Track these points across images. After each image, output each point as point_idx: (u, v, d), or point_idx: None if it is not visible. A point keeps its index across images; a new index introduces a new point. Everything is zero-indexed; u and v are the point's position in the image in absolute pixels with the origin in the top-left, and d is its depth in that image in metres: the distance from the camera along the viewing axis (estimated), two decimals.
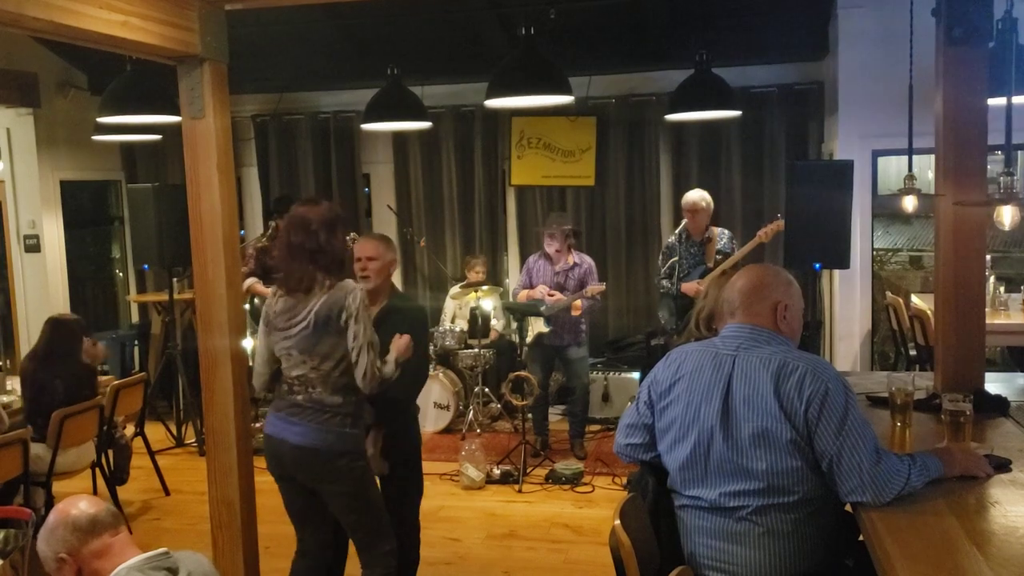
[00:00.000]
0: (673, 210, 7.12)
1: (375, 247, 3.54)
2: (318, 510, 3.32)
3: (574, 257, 6.00)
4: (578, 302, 5.85)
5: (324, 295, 3.11)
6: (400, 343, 3.27)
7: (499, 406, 6.84)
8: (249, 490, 3.60)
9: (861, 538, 2.33)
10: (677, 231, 6.05)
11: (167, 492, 5.64)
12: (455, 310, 7.18)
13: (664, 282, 5.97)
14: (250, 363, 3.62)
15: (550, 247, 5.93)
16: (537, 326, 5.98)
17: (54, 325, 4.94)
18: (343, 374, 3.15)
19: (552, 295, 5.87)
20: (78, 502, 2.35)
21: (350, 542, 3.46)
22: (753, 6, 6.32)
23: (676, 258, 5.77)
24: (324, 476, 3.20)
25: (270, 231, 6.45)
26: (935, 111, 3.40)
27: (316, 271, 3.13)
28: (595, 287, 5.88)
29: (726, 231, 6.01)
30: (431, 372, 6.69)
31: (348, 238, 3.37)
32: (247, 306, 6.39)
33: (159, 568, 2.28)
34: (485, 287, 6.71)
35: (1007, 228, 2.67)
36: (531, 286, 6.01)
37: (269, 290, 6.08)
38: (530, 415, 6.09)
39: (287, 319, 3.18)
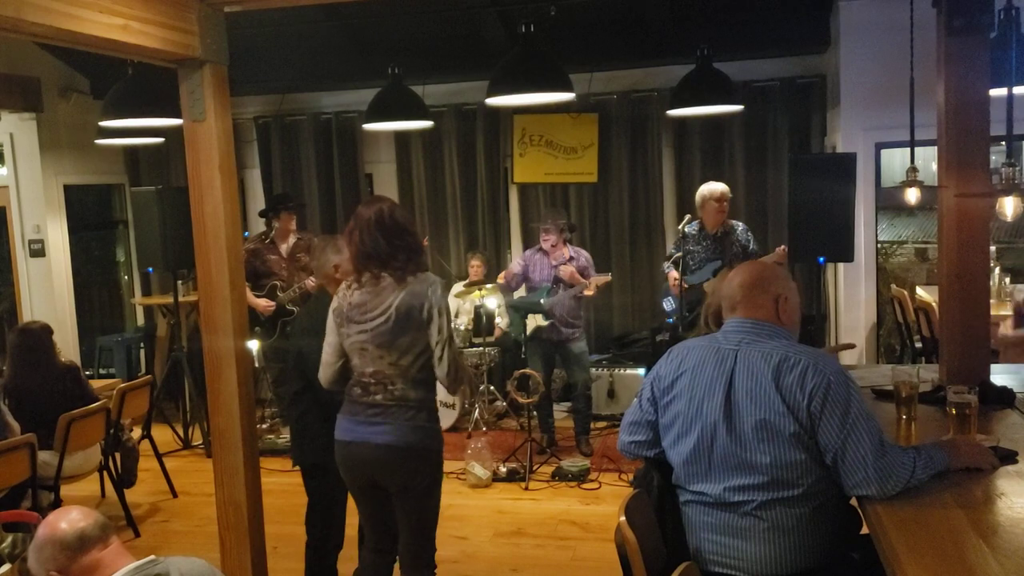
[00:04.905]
0: (676, 205, 7.11)
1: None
2: (393, 511, 3.31)
3: (569, 251, 6.02)
4: (589, 283, 5.91)
5: (403, 289, 3.09)
6: None
7: (504, 404, 6.85)
8: (256, 491, 3.61)
9: (866, 531, 2.33)
10: (687, 225, 5.73)
11: (175, 494, 5.65)
12: (458, 307, 7.19)
13: (665, 264, 5.83)
14: (256, 364, 3.63)
15: (546, 242, 5.96)
16: (535, 319, 5.99)
17: (21, 334, 4.88)
18: (421, 369, 3.15)
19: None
20: (67, 515, 2.32)
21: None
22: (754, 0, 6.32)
23: (679, 253, 5.70)
24: (408, 473, 3.19)
25: (263, 232, 6.48)
26: (937, 103, 3.39)
27: (375, 269, 3.13)
28: (600, 277, 5.93)
29: (740, 223, 5.88)
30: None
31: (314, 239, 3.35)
32: None
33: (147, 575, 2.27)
34: (489, 285, 6.72)
35: (1009, 219, 2.67)
36: (527, 278, 6.06)
37: (262, 301, 6.17)
38: (535, 412, 6.10)
39: (362, 312, 3.14)
